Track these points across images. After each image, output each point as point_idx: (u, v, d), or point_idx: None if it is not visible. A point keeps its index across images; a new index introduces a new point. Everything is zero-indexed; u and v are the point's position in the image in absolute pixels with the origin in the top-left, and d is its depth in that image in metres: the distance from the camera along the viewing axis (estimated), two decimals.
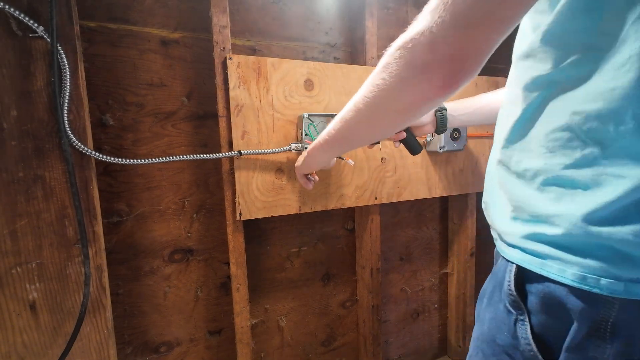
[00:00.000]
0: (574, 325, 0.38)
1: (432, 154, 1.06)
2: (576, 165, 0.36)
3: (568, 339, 0.38)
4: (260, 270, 0.98)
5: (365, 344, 1.10)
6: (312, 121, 0.83)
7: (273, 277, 1.00)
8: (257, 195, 0.83)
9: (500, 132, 0.46)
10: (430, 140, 1.02)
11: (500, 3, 0.31)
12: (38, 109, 0.61)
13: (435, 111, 0.74)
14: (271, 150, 0.82)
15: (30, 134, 0.61)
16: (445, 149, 1.01)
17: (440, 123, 0.75)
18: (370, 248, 1.05)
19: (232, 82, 0.78)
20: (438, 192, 1.09)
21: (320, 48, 0.98)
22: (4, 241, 0.60)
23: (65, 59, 0.61)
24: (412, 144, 0.75)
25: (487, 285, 0.49)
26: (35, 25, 0.58)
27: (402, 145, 0.76)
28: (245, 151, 0.80)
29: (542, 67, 0.38)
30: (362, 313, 1.11)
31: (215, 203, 0.90)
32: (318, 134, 0.83)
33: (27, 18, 0.57)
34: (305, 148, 0.83)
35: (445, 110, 0.75)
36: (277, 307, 1.02)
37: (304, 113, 0.83)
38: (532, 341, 0.41)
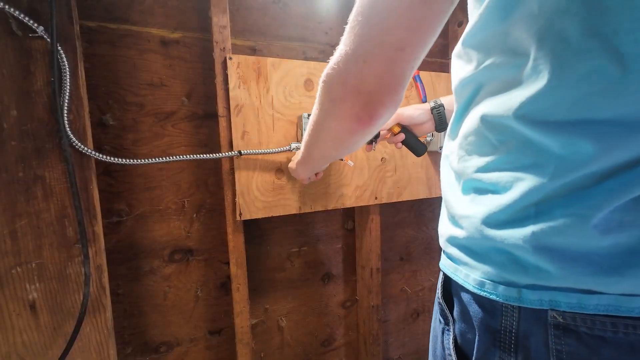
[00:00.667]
0: (477, 336, 0.36)
1: (432, 154, 1.06)
2: (486, 168, 0.35)
3: (474, 351, 0.36)
4: (260, 270, 0.98)
5: (365, 344, 1.10)
6: None
7: (273, 277, 1.00)
8: (257, 195, 0.83)
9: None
10: (431, 140, 1.02)
11: (388, 32, 0.31)
12: (38, 109, 0.61)
13: (432, 109, 0.72)
14: (271, 150, 0.82)
15: (30, 134, 0.61)
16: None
17: (439, 121, 0.72)
18: (370, 248, 1.05)
19: (232, 82, 0.78)
20: (438, 192, 1.09)
21: (320, 48, 0.98)
22: (4, 241, 0.60)
23: (65, 59, 0.61)
24: (414, 145, 0.74)
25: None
26: (35, 25, 0.58)
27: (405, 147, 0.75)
28: (245, 151, 0.80)
29: (467, 67, 0.37)
30: (362, 313, 1.11)
31: (215, 203, 0.90)
32: None
33: (27, 18, 0.57)
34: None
35: (442, 106, 0.72)
36: (277, 307, 1.02)
37: (304, 113, 0.83)
38: (453, 352, 0.39)
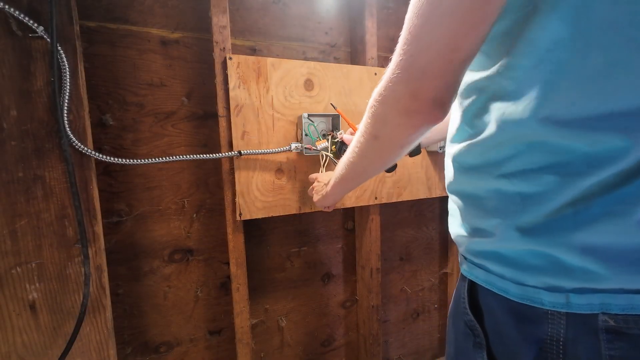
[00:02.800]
0: (523, 349, 0.34)
1: (432, 154, 1.06)
2: (510, 170, 0.34)
3: None
4: (260, 270, 0.98)
5: (365, 344, 1.10)
6: (312, 121, 0.83)
7: (273, 277, 1.00)
8: (257, 195, 0.83)
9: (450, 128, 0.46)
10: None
11: (454, 41, 0.31)
12: (38, 109, 0.61)
13: None
14: (271, 150, 0.82)
15: (30, 134, 0.61)
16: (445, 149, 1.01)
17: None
18: (370, 248, 1.05)
19: (232, 82, 0.78)
20: (438, 192, 1.09)
21: (320, 48, 0.98)
22: (4, 241, 0.60)
23: (65, 59, 0.61)
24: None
25: (452, 302, 0.46)
26: (35, 25, 0.58)
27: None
28: (245, 151, 0.80)
29: (476, 73, 0.38)
30: (362, 313, 1.11)
31: (215, 203, 0.90)
32: (318, 134, 0.83)
33: (27, 18, 0.57)
34: (305, 148, 0.83)
35: None
36: (277, 307, 1.02)
37: (304, 113, 0.83)
38: None
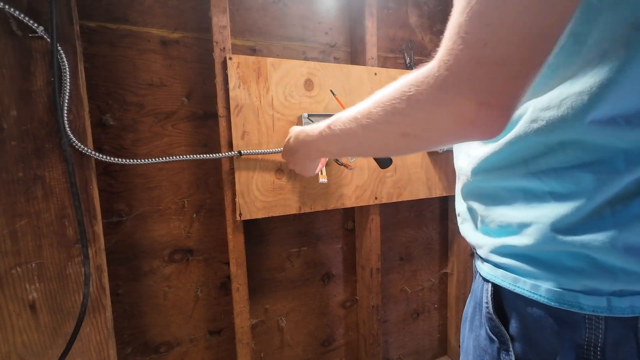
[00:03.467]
0: (557, 355, 0.32)
1: (432, 154, 1.06)
2: (540, 168, 0.33)
3: None
4: (260, 270, 0.98)
5: (365, 344, 1.10)
6: (312, 121, 0.83)
7: (273, 277, 1.00)
8: (257, 195, 0.83)
9: None
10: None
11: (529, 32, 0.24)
12: (38, 109, 0.61)
13: None
14: (271, 150, 0.82)
15: (30, 134, 0.61)
16: (445, 148, 1.01)
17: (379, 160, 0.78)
18: (370, 248, 1.05)
19: (232, 82, 0.78)
20: (438, 192, 1.09)
21: (320, 48, 0.98)
22: (4, 241, 0.60)
23: (65, 59, 0.61)
24: (380, 159, 0.76)
25: (468, 306, 0.44)
26: (35, 25, 0.58)
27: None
28: (245, 151, 0.80)
29: None
30: (362, 313, 1.11)
31: (215, 203, 0.90)
32: None
33: (27, 18, 0.57)
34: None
35: None
36: (277, 307, 1.02)
37: (304, 113, 0.83)
38: None
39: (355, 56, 1.00)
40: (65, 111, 0.62)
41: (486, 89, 0.26)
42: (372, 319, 1.08)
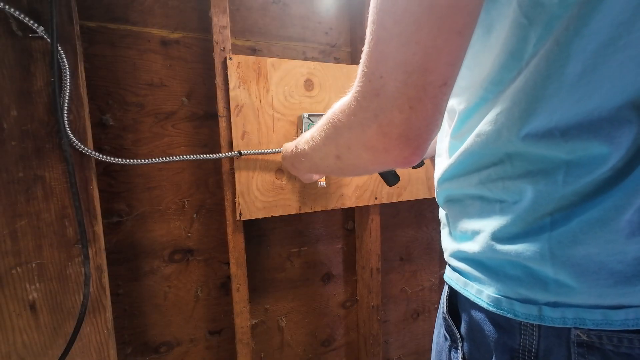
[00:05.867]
0: (495, 357, 0.33)
1: None
2: (490, 178, 0.34)
3: None
4: (260, 270, 0.98)
5: (365, 344, 1.10)
6: (312, 121, 0.83)
7: (273, 277, 1.00)
8: (257, 196, 0.83)
9: None
10: None
11: (431, 72, 0.26)
12: (38, 109, 0.61)
13: None
14: (271, 150, 0.82)
15: (30, 134, 0.61)
16: None
17: (386, 177, 0.76)
18: (370, 248, 1.05)
19: (232, 82, 0.78)
20: None
21: (320, 48, 0.98)
22: (4, 241, 0.60)
23: (65, 59, 0.61)
24: (386, 175, 0.75)
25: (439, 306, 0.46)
26: (35, 25, 0.58)
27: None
28: (245, 151, 0.80)
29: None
30: (362, 313, 1.11)
31: (215, 203, 0.90)
32: None
33: (27, 18, 0.57)
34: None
35: None
36: (277, 307, 1.02)
37: (304, 113, 0.83)
38: None
39: (355, 56, 1.00)
40: (66, 111, 0.62)
41: (386, 119, 0.28)
42: (372, 319, 1.08)
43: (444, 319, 0.40)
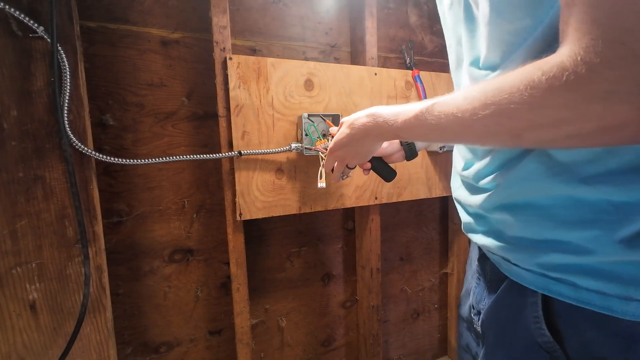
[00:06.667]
0: None
1: (432, 154, 1.06)
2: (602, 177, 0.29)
3: None
4: (260, 270, 0.98)
5: (365, 344, 1.10)
6: (312, 121, 0.83)
7: (273, 277, 1.00)
8: (257, 196, 0.83)
9: None
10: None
11: None
12: (38, 109, 0.61)
13: (402, 142, 0.68)
14: (271, 150, 0.82)
15: (31, 134, 0.61)
16: (445, 148, 1.01)
17: (409, 152, 0.69)
18: (370, 248, 1.05)
19: (232, 82, 0.78)
20: (438, 192, 1.09)
21: (320, 48, 0.98)
22: (4, 241, 0.60)
23: (65, 59, 0.61)
24: (381, 171, 0.71)
25: (502, 318, 0.39)
26: (35, 25, 0.58)
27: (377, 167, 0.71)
28: (245, 151, 0.80)
29: None
30: (362, 313, 1.11)
31: (215, 203, 0.90)
32: (318, 134, 0.83)
33: (27, 18, 0.57)
34: (305, 148, 0.82)
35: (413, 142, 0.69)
36: (277, 307, 1.02)
37: (304, 113, 0.83)
38: None
39: (355, 56, 1.00)
40: (66, 111, 0.62)
41: None
42: (372, 319, 1.08)
43: (541, 335, 0.35)
